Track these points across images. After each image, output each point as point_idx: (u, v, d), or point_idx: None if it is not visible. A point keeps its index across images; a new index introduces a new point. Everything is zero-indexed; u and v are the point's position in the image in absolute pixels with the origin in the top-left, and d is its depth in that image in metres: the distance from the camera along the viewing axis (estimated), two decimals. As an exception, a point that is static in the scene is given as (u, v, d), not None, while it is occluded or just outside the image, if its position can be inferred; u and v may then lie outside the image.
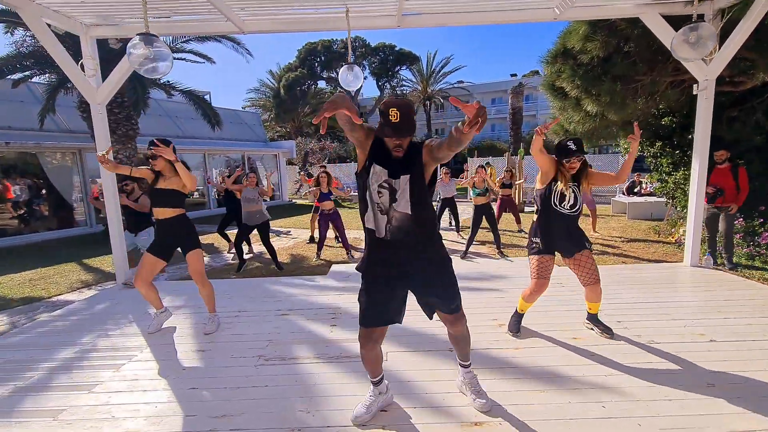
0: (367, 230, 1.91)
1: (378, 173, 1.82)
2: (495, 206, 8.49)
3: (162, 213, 3.05)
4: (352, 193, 10.23)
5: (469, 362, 2.17)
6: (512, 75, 33.03)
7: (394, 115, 1.67)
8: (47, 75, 9.84)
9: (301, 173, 7.94)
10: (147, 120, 12.29)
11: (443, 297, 1.94)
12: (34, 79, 10.42)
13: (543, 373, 2.42)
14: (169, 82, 11.26)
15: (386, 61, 30.81)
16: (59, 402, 2.30)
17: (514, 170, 9.38)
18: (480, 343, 2.82)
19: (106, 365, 2.73)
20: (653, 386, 2.23)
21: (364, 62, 31.27)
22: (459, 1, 3.96)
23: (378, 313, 1.91)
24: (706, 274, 4.35)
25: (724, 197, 4.97)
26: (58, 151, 11.06)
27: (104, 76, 4.38)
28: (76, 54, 4.42)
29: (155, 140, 2.89)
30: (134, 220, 5.24)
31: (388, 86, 32.08)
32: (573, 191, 2.74)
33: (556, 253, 2.87)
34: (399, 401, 2.19)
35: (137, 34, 2.85)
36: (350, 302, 3.80)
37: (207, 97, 15.88)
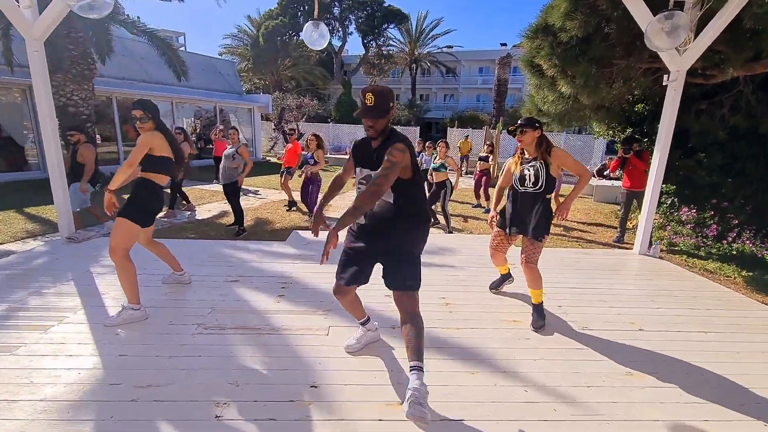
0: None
1: (359, 173, 2.09)
2: (474, 178, 8.55)
3: (143, 174, 2.80)
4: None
5: (420, 360, 1.88)
6: (502, 44, 32.10)
7: (369, 99, 1.92)
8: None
9: (291, 135, 7.62)
10: (108, 60, 11.34)
11: (395, 276, 2.04)
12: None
13: (478, 354, 2.49)
14: (132, 18, 10.34)
15: (373, 17, 29.33)
16: (-24, 364, 2.20)
17: (493, 144, 9.37)
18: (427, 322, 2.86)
19: (33, 326, 2.61)
20: (576, 372, 2.34)
21: (350, 16, 29.71)
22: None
23: (344, 271, 2.18)
24: (650, 263, 4.54)
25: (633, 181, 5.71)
26: (6, 86, 10.14)
27: (42, 8, 3.92)
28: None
29: (134, 104, 2.69)
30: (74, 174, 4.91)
31: (374, 45, 30.76)
32: (531, 169, 2.78)
33: (514, 234, 2.97)
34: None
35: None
36: (302, 272, 3.77)
37: (181, 39, 14.73)
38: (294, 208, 7.49)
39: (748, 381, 2.30)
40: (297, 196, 7.15)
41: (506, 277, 3.46)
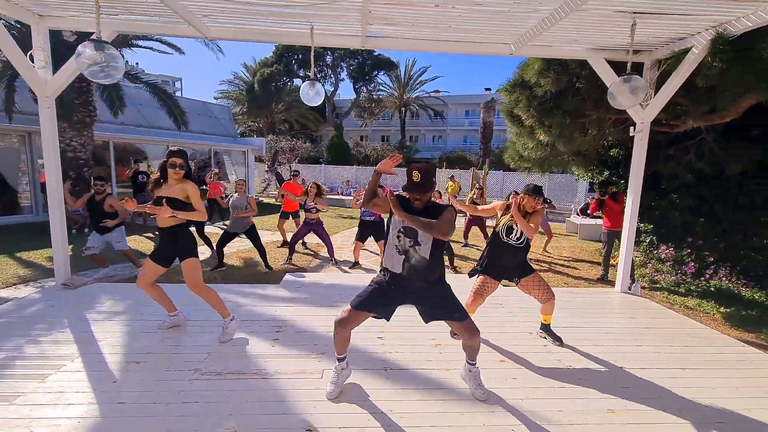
0: (382, 267, 2.45)
1: (396, 221, 2.32)
2: (463, 221, 8.79)
3: (164, 221, 3.04)
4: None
5: (475, 362, 2.59)
6: (486, 89, 33.95)
7: (416, 176, 2.22)
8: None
9: (292, 176, 7.92)
10: (106, 106, 11.75)
11: (443, 312, 2.43)
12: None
13: (467, 395, 2.58)
14: (134, 71, 10.87)
15: (364, 65, 30.92)
16: (-25, 414, 2.23)
17: (482, 186, 9.73)
18: (417, 362, 2.97)
19: (31, 375, 2.65)
20: (560, 411, 2.44)
21: (342, 64, 31.25)
22: (420, 30, 4.12)
23: (371, 304, 2.40)
24: (631, 301, 4.73)
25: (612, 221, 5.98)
26: (5, 132, 10.39)
27: (56, 68, 4.22)
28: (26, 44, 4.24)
29: (178, 153, 3.00)
30: (98, 221, 5.07)
31: (365, 90, 32.19)
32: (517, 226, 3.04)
33: (497, 283, 3.24)
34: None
35: (88, 39, 2.81)
36: (296, 315, 3.86)
37: (178, 84, 15.42)
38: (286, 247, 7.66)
39: (723, 416, 2.43)
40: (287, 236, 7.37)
41: None
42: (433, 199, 2.43)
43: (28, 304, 4.00)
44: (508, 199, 3.34)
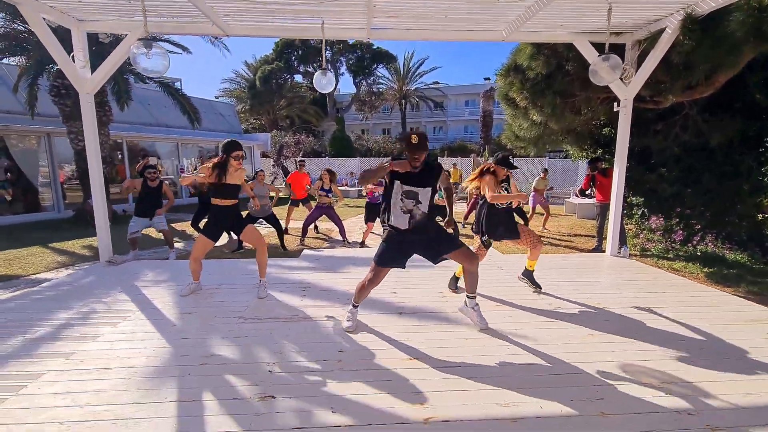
0: (389, 226, 2.87)
1: (399, 187, 2.77)
2: (468, 204, 9.27)
3: (226, 202, 3.64)
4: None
5: (475, 295, 3.06)
6: (486, 79, 34.15)
7: (414, 139, 2.64)
8: (18, 57, 9.77)
9: (302, 165, 8.48)
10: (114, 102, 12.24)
11: (445, 245, 2.90)
12: (3, 61, 10.28)
13: (469, 327, 3.07)
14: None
15: (363, 59, 31.21)
16: (69, 348, 2.74)
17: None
18: (429, 307, 3.47)
19: (104, 323, 3.16)
20: (549, 336, 2.92)
21: (341, 58, 31.54)
22: (420, 21, 4.56)
23: (391, 259, 2.91)
24: (620, 262, 5.19)
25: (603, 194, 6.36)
26: (26, 133, 10.92)
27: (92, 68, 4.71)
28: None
29: (238, 145, 3.55)
30: (151, 206, 5.69)
31: (365, 84, 32.52)
32: (505, 190, 3.51)
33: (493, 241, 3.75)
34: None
35: (138, 39, 3.28)
36: (319, 279, 4.36)
37: (178, 84, 15.84)
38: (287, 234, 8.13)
39: (694, 342, 2.90)
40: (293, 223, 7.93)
41: (458, 279, 3.98)
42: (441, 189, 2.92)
43: (80, 277, 4.53)
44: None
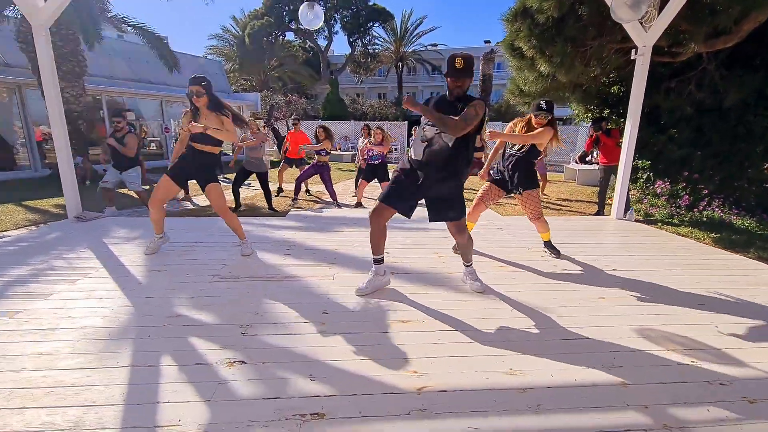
0: (401, 168, 2.56)
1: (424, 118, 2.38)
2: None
3: (197, 146, 3.16)
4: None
5: (470, 263, 2.79)
6: (486, 41, 32.70)
7: (459, 62, 2.31)
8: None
9: (296, 124, 8.00)
10: (97, 60, 11.41)
11: (446, 211, 2.54)
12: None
13: (467, 289, 2.78)
14: (121, 16, 10.42)
15: (358, 16, 29.57)
16: (16, 306, 2.41)
17: (483, 140, 9.74)
18: (423, 268, 3.16)
19: (61, 280, 2.83)
20: (554, 298, 2.65)
21: (336, 15, 29.89)
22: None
23: (397, 197, 2.52)
24: (626, 225, 4.91)
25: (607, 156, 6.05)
26: (-6, 85, 10.17)
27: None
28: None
29: (194, 82, 2.99)
30: (121, 160, 5.25)
31: (360, 44, 31.02)
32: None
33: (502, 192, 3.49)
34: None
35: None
36: (304, 238, 4.03)
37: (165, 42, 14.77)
38: (281, 194, 7.75)
39: (708, 303, 2.64)
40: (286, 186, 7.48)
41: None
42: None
43: (46, 232, 4.15)
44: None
